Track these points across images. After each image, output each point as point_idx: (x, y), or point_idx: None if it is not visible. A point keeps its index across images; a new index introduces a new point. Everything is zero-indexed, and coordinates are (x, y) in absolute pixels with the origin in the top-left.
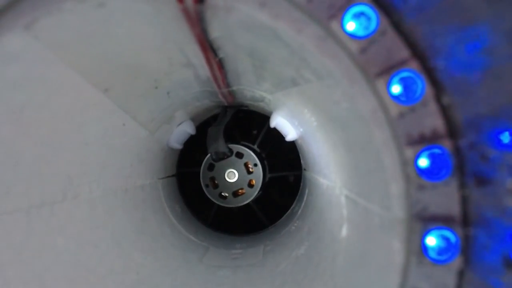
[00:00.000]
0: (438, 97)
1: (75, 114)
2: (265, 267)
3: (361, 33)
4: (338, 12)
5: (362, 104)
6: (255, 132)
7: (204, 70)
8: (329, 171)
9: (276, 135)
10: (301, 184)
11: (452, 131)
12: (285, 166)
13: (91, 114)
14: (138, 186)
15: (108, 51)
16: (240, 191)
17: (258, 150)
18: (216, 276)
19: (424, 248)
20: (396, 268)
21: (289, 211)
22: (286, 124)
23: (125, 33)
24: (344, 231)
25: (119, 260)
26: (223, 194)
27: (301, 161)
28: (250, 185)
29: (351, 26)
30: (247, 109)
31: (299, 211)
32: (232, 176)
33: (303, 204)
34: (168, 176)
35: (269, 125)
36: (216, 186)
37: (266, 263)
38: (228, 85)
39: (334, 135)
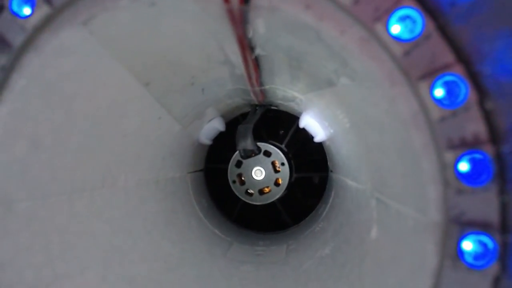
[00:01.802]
0: (481, 102)
1: (117, 106)
2: (288, 265)
3: (406, 36)
4: (384, 14)
5: (403, 106)
6: (282, 131)
7: (239, 68)
8: (359, 174)
9: (304, 135)
10: (327, 186)
11: (495, 137)
12: (311, 167)
13: (131, 107)
14: (169, 178)
15: (153, 47)
16: (266, 189)
17: (285, 149)
18: (240, 271)
19: (460, 252)
20: (428, 271)
21: (313, 212)
22: (315, 125)
23: (171, 31)
24: (373, 234)
25: (150, 247)
26: (249, 191)
27: (328, 163)
28: (277, 184)
29: (396, 29)
30: (276, 109)
31: (324, 212)
32: (259, 174)
33: (328, 206)
34: (197, 171)
35: (297, 125)
36: (243, 183)
37: (289, 261)
38: (261, 84)
39: (369, 138)
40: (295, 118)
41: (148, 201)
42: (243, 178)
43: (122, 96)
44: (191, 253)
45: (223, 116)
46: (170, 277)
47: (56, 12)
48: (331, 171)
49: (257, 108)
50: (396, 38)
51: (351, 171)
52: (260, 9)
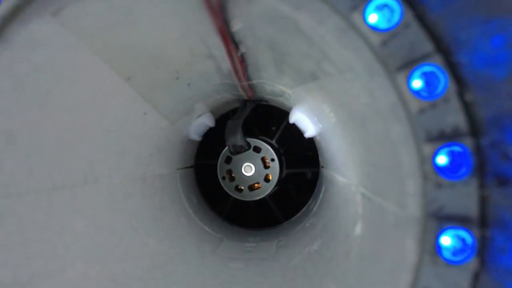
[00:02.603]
0: (461, 93)
1: (98, 101)
2: (277, 261)
3: (383, 25)
4: (361, 3)
5: (381, 98)
6: (273, 127)
7: (225, 62)
8: (346, 169)
9: (295, 131)
10: (318, 181)
11: (474, 129)
12: (303, 163)
13: (113, 102)
14: (157, 175)
15: (131, 39)
16: (256, 185)
17: (276, 145)
18: (229, 268)
19: (438, 248)
20: (408, 267)
21: (305, 208)
22: (305, 120)
23: (148, 22)
24: (358, 229)
25: (135, 245)
26: (239, 187)
27: (319, 158)
28: (267, 180)
29: (373, 18)
30: (267, 104)
31: (315, 208)
32: (248, 170)
33: (318, 201)
34: (186, 167)
35: (288, 120)
36: (232, 179)
37: (278, 257)
38: (248, 78)
39: (353, 132)
40: (286, 114)
41: (134, 198)
42: (233, 174)
43: (102, 90)
44: (179, 250)
45: (212, 111)
46: (156, 274)
47: (24, 3)
48: (322, 166)
49: (246, 103)
50: (374, 28)
51: (339, 166)
52: (238, 1)
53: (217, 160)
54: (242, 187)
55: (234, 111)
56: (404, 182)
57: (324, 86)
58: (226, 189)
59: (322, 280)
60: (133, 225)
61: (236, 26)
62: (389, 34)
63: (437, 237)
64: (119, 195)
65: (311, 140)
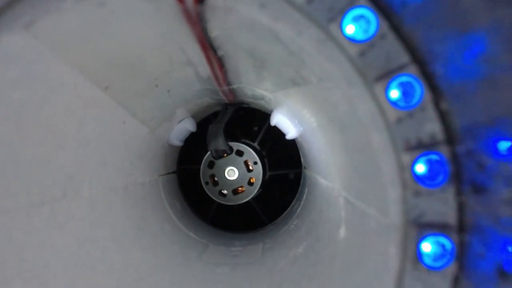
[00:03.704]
0: (436, 102)
1: (75, 112)
2: (264, 266)
3: (360, 36)
4: (338, 14)
5: (360, 108)
6: (255, 129)
7: (204, 68)
8: (328, 172)
9: (277, 132)
10: (301, 182)
11: (450, 138)
12: (286, 164)
13: (91, 112)
14: (138, 183)
15: (108, 49)
16: (240, 189)
17: (258, 148)
18: (215, 274)
19: (419, 254)
20: (391, 273)
21: (289, 209)
22: (286, 122)
23: (125, 32)
24: (342, 233)
25: (119, 257)
26: (223, 191)
27: (301, 159)
28: (250, 183)
29: (350, 29)
30: (248, 107)
31: (299, 209)
32: (232, 174)
33: (302, 202)
34: (169, 173)
35: (269, 122)
36: (216, 184)
37: (265, 261)
38: (228, 83)
39: (334, 137)
40: (267, 115)
41: (116, 209)
42: (216, 179)
43: (79, 101)
44: (164, 259)
45: (193, 116)
46: (141, 286)
47: None
48: (305, 167)
49: (228, 107)
50: (351, 39)
51: (321, 168)
52: (216, 9)
53: (200, 164)
54: (226, 192)
55: (215, 114)
56: (385, 190)
57: (305, 92)
58: (210, 194)
59: (309, 284)
60: (116, 237)
61: (214, 33)
62: (366, 45)
63: (418, 244)
64: (100, 207)
65: (293, 141)
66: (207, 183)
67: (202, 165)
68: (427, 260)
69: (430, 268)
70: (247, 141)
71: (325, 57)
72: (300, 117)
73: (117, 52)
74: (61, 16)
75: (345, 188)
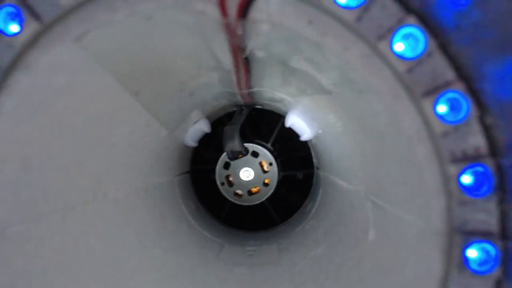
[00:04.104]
0: (482, 117)
1: (107, 117)
2: (282, 266)
3: (408, 54)
4: (387, 32)
5: (406, 120)
6: (265, 130)
7: (229, 73)
8: (351, 175)
9: (287, 133)
10: (313, 182)
11: (495, 151)
12: (295, 164)
13: (120, 117)
14: (157, 184)
15: (145, 58)
16: (255, 189)
17: (271, 148)
18: (234, 274)
19: (465, 260)
20: (435, 277)
21: (301, 209)
22: (301, 124)
23: (165, 42)
24: (371, 236)
25: (144, 257)
26: (238, 192)
27: (314, 160)
28: (265, 184)
29: (399, 47)
30: (260, 108)
31: (313, 210)
32: (247, 175)
33: (317, 203)
34: (183, 173)
35: (282, 123)
36: (231, 184)
37: (282, 261)
38: (249, 87)
39: (365, 145)
40: (278, 116)
41: (138, 210)
42: (231, 180)
43: (111, 106)
44: (184, 259)
45: (208, 117)
46: (166, 285)
47: (45, 29)
48: (317, 168)
49: (243, 108)
50: (399, 56)
51: (342, 171)
52: (258, 24)
53: (212, 164)
54: (241, 192)
55: (228, 115)
56: (428, 198)
57: (336, 100)
58: (225, 195)
59: (335, 285)
60: (139, 238)
61: (250, 44)
62: (414, 62)
63: (463, 250)
64: (125, 208)
65: (303, 142)
66: (222, 183)
67: (217, 165)
68: (473, 266)
69: (476, 272)
70: (261, 142)
71: (370, 72)
72: (321, 121)
73: (152, 60)
74: (111, 29)
75: (374, 193)
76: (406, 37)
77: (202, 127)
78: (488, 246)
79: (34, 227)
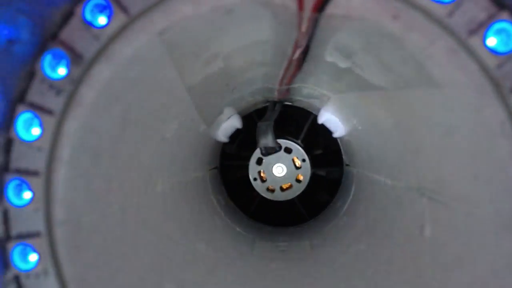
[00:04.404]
0: None
1: (163, 111)
2: (319, 262)
3: (501, 49)
4: (480, 27)
5: (489, 115)
6: (290, 126)
7: (276, 68)
8: (397, 172)
9: (313, 130)
10: (343, 180)
11: None
12: (321, 162)
13: (172, 110)
14: (194, 178)
15: (212, 52)
16: (286, 185)
17: (302, 145)
18: (271, 268)
19: None
20: None
21: (330, 206)
22: (335, 121)
23: (237, 36)
24: (427, 232)
25: (189, 251)
26: (270, 187)
27: (344, 157)
28: (298, 180)
29: (492, 41)
30: (289, 105)
31: (344, 207)
32: (280, 170)
33: (348, 200)
34: (213, 168)
35: (311, 121)
36: (263, 180)
37: (318, 257)
38: (292, 82)
39: (426, 139)
40: (306, 113)
41: (181, 204)
42: (263, 175)
43: (167, 100)
44: (223, 253)
45: (239, 113)
46: (212, 279)
47: (131, 21)
48: (347, 165)
49: (276, 104)
50: (492, 51)
51: (386, 168)
52: (333, 18)
53: (238, 160)
54: (274, 188)
55: (257, 112)
56: (510, 193)
57: (393, 95)
58: (257, 190)
59: (388, 280)
60: (183, 231)
61: (318, 37)
62: (505, 58)
63: None
64: (169, 201)
65: (329, 139)
66: (255, 179)
67: (250, 161)
68: None
69: None
70: (292, 138)
71: (456, 66)
72: (365, 117)
73: (218, 54)
74: (193, 22)
75: (433, 189)
76: (498, 32)
77: (235, 123)
78: None
79: (101, 218)
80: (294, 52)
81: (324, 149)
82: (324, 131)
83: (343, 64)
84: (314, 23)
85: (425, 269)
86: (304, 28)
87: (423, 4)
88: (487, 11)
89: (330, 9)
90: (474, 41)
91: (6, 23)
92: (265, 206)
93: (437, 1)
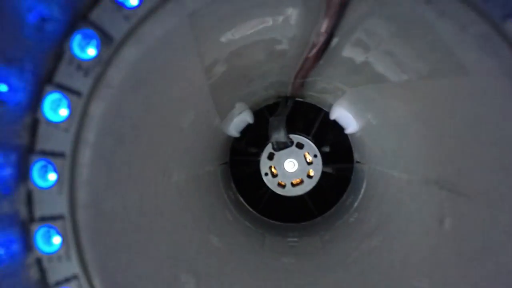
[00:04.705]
0: None
1: (183, 100)
2: (330, 256)
3: None
4: None
5: None
6: (300, 122)
7: (296, 60)
8: (413, 166)
9: (322, 128)
10: (352, 177)
11: None
12: (330, 158)
13: (191, 101)
14: (206, 172)
15: (234, 39)
16: (297, 180)
17: (313, 141)
18: (283, 263)
19: None
20: None
21: (340, 203)
22: (348, 117)
23: (261, 22)
24: (447, 224)
25: (202, 241)
26: (281, 182)
27: (354, 154)
28: (309, 176)
29: None
30: (299, 101)
31: (355, 203)
32: (291, 165)
33: (359, 197)
34: (224, 163)
35: (322, 117)
36: (274, 175)
37: (329, 252)
38: (307, 76)
39: (447, 131)
40: (315, 109)
41: (194, 196)
42: (275, 171)
43: (187, 89)
44: (236, 247)
45: (251, 108)
46: (225, 271)
47: (163, 2)
48: (358, 161)
49: (288, 100)
50: None
51: (401, 162)
52: (364, 2)
53: (246, 155)
54: (285, 183)
55: (268, 107)
56: None
57: (413, 88)
58: (268, 185)
59: (404, 273)
60: (196, 223)
61: (344, 25)
62: None
63: None
64: (184, 193)
65: (335, 136)
66: (266, 174)
67: (261, 156)
68: None
69: None
70: (303, 134)
71: (487, 52)
72: (380, 111)
73: (238, 42)
74: (221, 7)
75: (453, 182)
76: None
77: (246, 117)
78: None
79: (121, 204)
80: (317, 42)
81: (331, 146)
82: (334, 128)
83: (361, 57)
84: (343, 9)
85: (445, 261)
86: (331, 14)
87: None
88: None
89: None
90: (509, 26)
91: (42, 1)
92: (274, 203)
93: None
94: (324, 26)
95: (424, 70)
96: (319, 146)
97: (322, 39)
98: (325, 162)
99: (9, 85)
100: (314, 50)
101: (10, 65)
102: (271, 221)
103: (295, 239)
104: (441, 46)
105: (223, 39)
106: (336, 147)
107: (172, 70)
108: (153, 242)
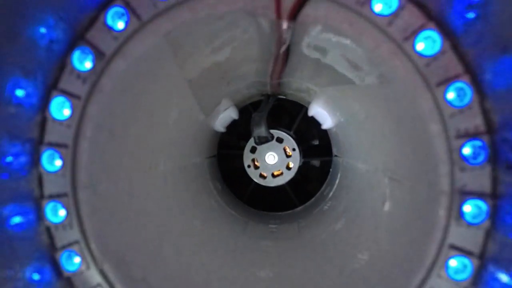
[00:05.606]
0: (481, 103)
1: (166, 99)
2: (304, 239)
3: (427, 52)
4: (411, 35)
5: (422, 104)
6: (285, 118)
7: (266, 64)
8: (370, 157)
9: (304, 124)
10: (331, 169)
11: (490, 129)
12: (312, 153)
13: (175, 100)
14: (192, 163)
15: (207, 49)
16: (278, 172)
17: (294, 136)
18: (260, 245)
19: (461, 214)
20: (439, 228)
21: (319, 194)
22: (324, 114)
23: (227, 37)
24: (386, 207)
25: (186, 226)
26: (262, 174)
27: (333, 148)
28: (288, 168)
29: (420, 46)
30: (283, 98)
31: (331, 193)
32: (272, 158)
33: (334, 187)
34: (211, 156)
35: (303, 113)
36: (257, 167)
37: (303, 236)
38: (281, 77)
39: (385, 128)
40: (298, 106)
41: (180, 185)
42: (256, 163)
43: (170, 90)
44: (217, 230)
45: (236, 105)
46: (206, 249)
47: (143, 25)
48: (336, 155)
49: (269, 97)
50: (420, 54)
51: (362, 155)
52: (305, 24)
53: (234, 149)
54: (266, 174)
55: (253, 104)
56: (437, 167)
57: (363, 90)
58: (251, 176)
59: (354, 249)
60: (181, 209)
61: (296, 40)
62: (431, 59)
63: (461, 206)
64: (170, 181)
65: (319, 132)
66: (249, 166)
67: (245, 149)
68: (468, 218)
69: (470, 223)
70: (284, 129)
71: (396, 65)
72: (345, 110)
73: (210, 51)
74: (191, 26)
75: (392, 170)
76: (426, 38)
77: (231, 114)
78: (480, 203)
79: (112, 187)
80: (278, 50)
81: (320, 140)
82: (317, 123)
83: (320, 61)
84: (291, 27)
85: (381, 237)
86: (282, 31)
87: (370, 16)
88: (417, 22)
89: (301, 18)
90: (407, 46)
91: (50, 28)
92: (259, 194)
93: (380, 14)
94: (278, 38)
95: (361, 77)
96: (304, 141)
97: (281, 48)
98: (312, 155)
99: (25, 91)
100: (278, 57)
101: (28, 77)
102: (255, 210)
103: (276, 226)
104: (367, 59)
105: (197, 50)
106: (324, 141)
107: (154, 77)
108: (141, 221)
